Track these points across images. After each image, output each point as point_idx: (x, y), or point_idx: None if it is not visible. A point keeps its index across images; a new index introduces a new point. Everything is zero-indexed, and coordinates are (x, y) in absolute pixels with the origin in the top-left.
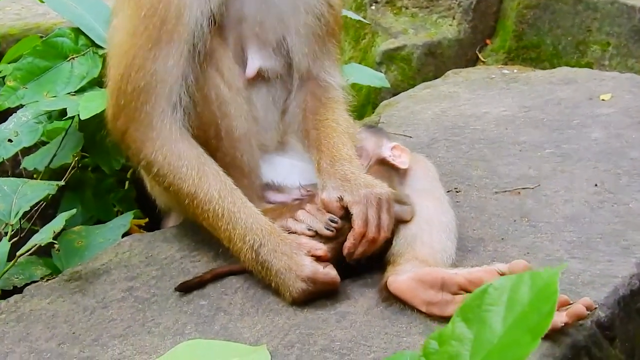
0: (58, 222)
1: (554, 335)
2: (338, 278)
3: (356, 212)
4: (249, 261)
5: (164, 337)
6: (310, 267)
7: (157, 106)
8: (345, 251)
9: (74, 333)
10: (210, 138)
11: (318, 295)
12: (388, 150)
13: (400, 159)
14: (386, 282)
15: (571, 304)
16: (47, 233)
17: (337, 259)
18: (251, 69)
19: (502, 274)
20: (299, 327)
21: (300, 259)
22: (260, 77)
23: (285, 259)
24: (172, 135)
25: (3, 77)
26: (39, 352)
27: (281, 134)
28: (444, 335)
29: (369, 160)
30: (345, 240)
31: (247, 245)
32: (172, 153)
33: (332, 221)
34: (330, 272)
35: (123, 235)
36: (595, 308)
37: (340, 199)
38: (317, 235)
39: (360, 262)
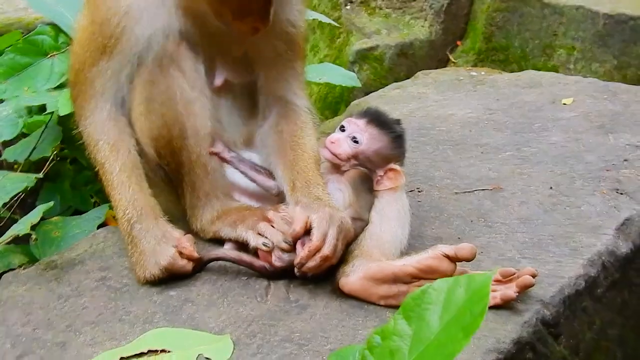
0: (35, 215)
1: (498, 331)
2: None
3: (317, 225)
4: (124, 232)
5: (133, 325)
6: (170, 259)
7: (95, 95)
8: (297, 260)
9: (48, 319)
10: (174, 137)
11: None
12: (382, 171)
13: (383, 184)
14: (338, 283)
15: (514, 273)
16: (25, 224)
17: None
18: (218, 79)
19: (447, 257)
20: (262, 318)
21: (165, 248)
22: (227, 86)
23: (153, 242)
24: (103, 116)
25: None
26: (15, 336)
27: (245, 139)
28: (387, 330)
29: (357, 155)
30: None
31: (125, 217)
32: (97, 128)
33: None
34: (186, 266)
35: (98, 227)
36: (536, 275)
37: (307, 218)
38: (272, 250)
39: (305, 276)
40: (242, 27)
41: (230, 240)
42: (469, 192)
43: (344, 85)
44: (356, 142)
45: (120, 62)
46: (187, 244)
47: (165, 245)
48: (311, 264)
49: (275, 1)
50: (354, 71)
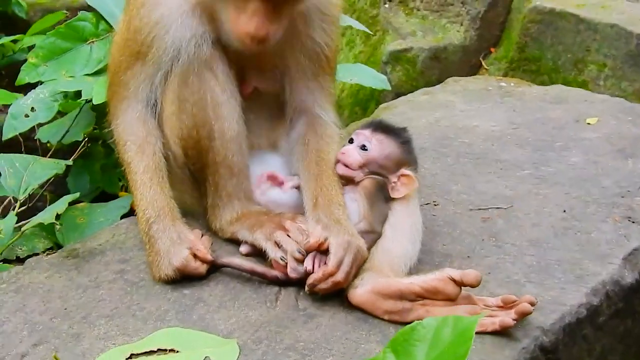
0: (61, 205)
1: (496, 356)
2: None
3: (334, 252)
4: (142, 231)
5: (146, 322)
6: (184, 260)
7: (128, 97)
8: (310, 280)
9: (65, 309)
10: (203, 138)
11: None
12: (395, 177)
13: (398, 190)
14: (347, 294)
15: (515, 300)
16: (50, 214)
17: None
18: (248, 87)
19: (453, 280)
20: (269, 325)
21: (180, 250)
22: (256, 94)
23: (168, 243)
24: (133, 117)
25: (29, 48)
26: (32, 323)
27: (270, 143)
28: None
29: (368, 162)
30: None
31: (145, 217)
32: (126, 128)
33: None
34: (199, 268)
35: (122, 217)
36: (535, 304)
37: (326, 239)
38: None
39: (315, 293)
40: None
41: (246, 242)
42: (483, 209)
43: (374, 87)
44: (365, 149)
45: (153, 68)
46: (201, 246)
47: (179, 246)
48: (323, 286)
49: (288, 19)
50: (386, 71)
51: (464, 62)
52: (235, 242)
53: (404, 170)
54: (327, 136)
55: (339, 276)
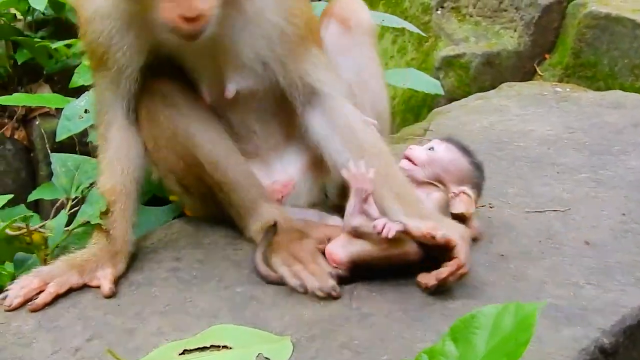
0: (103, 202)
1: (555, 356)
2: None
3: (459, 247)
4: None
5: (199, 318)
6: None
7: (105, 101)
8: (442, 275)
9: (119, 305)
10: (191, 166)
11: None
12: (458, 189)
13: (457, 204)
14: None
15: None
16: (95, 211)
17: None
18: (229, 91)
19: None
20: (323, 323)
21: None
22: (246, 94)
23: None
24: (111, 126)
25: (82, 53)
26: (86, 319)
27: (283, 140)
28: (434, 350)
29: (432, 163)
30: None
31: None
32: (104, 133)
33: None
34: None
35: (174, 218)
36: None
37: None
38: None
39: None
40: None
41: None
42: (540, 211)
43: (427, 92)
44: (432, 150)
45: (117, 79)
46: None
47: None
48: (452, 279)
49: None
50: (438, 77)
51: (518, 68)
52: None
53: (467, 189)
54: (345, 113)
55: (466, 268)
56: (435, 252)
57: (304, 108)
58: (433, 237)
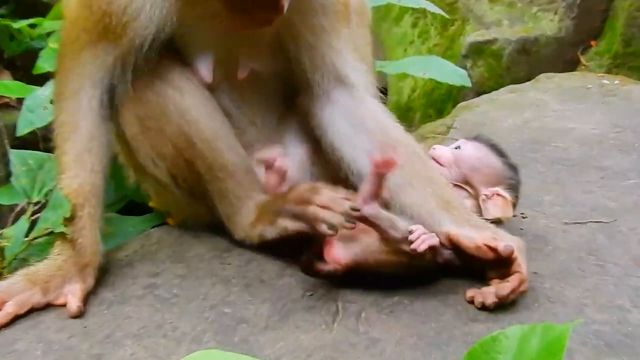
0: (67, 206)
1: None
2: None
3: (520, 259)
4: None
5: (179, 343)
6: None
7: (82, 74)
8: (504, 292)
9: (85, 327)
10: (183, 149)
11: None
12: (489, 191)
13: (488, 207)
14: None
15: None
16: (58, 217)
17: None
18: (242, 70)
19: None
20: (324, 349)
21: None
22: (255, 77)
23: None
24: (82, 105)
25: (48, 34)
26: (47, 342)
27: (282, 135)
28: None
29: (459, 162)
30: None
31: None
32: (70, 118)
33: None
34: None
35: (153, 227)
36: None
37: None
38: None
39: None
40: (251, 21)
41: (276, 238)
42: (581, 223)
43: (451, 83)
44: (459, 149)
45: (116, 53)
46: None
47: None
48: (513, 296)
49: None
50: (465, 66)
51: (558, 57)
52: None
53: (500, 190)
54: (374, 109)
55: (527, 283)
56: (480, 265)
57: (322, 101)
58: (494, 250)
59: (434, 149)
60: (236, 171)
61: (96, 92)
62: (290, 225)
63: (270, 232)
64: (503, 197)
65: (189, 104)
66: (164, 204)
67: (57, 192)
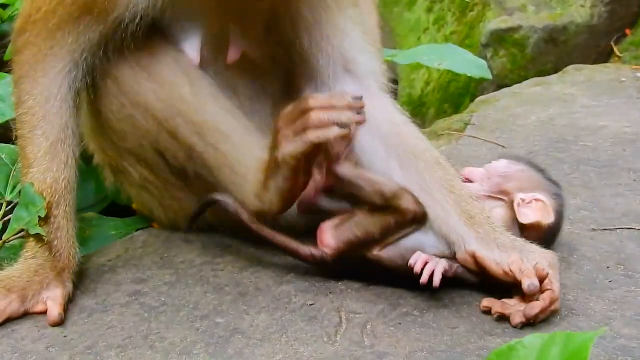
0: (41, 201)
1: None
2: None
3: (551, 276)
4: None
5: (167, 355)
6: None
7: (52, 52)
8: (534, 311)
9: (65, 336)
10: (173, 139)
11: None
12: (527, 195)
13: (525, 211)
14: None
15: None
16: (32, 216)
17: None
18: (233, 53)
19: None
20: None
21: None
22: (247, 61)
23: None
24: (51, 90)
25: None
26: (23, 353)
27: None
28: None
29: (492, 174)
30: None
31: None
32: (38, 105)
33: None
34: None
35: (138, 229)
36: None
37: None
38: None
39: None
40: None
41: (285, 183)
42: (609, 229)
43: (469, 75)
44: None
45: (96, 34)
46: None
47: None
48: (542, 316)
49: None
50: (485, 56)
51: (590, 47)
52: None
53: (539, 195)
54: (388, 107)
55: (559, 301)
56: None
57: (322, 85)
58: (519, 272)
59: (464, 169)
60: (231, 132)
61: (71, 75)
62: (293, 148)
63: (279, 178)
64: (541, 201)
65: (162, 65)
66: (147, 202)
67: (27, 188)
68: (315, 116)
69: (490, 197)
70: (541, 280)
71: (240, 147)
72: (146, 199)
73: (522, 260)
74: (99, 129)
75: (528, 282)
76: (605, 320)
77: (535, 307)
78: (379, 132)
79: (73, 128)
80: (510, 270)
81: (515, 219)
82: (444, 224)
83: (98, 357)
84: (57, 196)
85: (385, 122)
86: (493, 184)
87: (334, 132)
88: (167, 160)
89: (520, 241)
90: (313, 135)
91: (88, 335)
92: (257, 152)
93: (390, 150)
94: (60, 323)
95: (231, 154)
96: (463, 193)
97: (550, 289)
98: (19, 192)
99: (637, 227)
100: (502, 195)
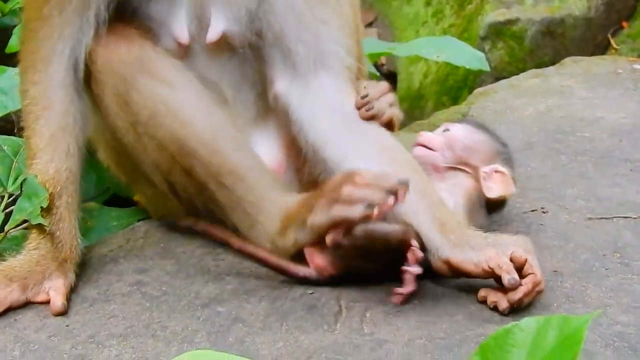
0: (44, 192)
1: None
2: None
3: (530, 260)
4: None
5: (169, 344)
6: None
7: (53, 44)
8: (517, 295)
9: (67, 326)
10: (179, 155)
11: None
12: (489, 168)
13: (490, 185)
14: None
15: None
16: (34, 207)
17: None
18: (213, 32)
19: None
20: (326, 351)
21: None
22: (229, 43)
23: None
24: (56, 79)
25: (22, 9)
26: (26, 342)
27: (259, 115)
28: None
29: (451, 143)
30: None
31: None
32: (41, 95)
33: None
34: None
35: (140, 220)
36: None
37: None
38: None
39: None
40: None
41: (306, 240)
42: (606, 218)
43: (468, 67)
44: (448, 130)
45: (77, 17)
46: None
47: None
48: (527, 300)
49: None
50: (484, 49)
51: (587, 40)
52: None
53: (499, 167)
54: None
55: (543, 284)
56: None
57: (302, 89)
58: (498, 268)
59: (421, 135)
60: (247, 174)
61: (71, 60)
62: (321, 218)
63: (301, 234)
64: (502, 172)
65: (181, 101)
66: (146, 203)
67: (31, 179)
68: (346, 191)
69: (454, 168)
70: (521, 266)
71: (255, 189)
72: (157, 204)
73: (499, 255)
74: (103, 129)
75: (508, 277)
76: (602, 308)
77: (518, 292)
78: (353, 129)
79: (75, 115)
80: (490, 267)
81: (479, 191)
82: (417, 230)
83: (100, 346)
84: (59, 187)
85: (360, 121)
86: (454, 157)
87: (357, 211)
88: (176, 190)
89: (492, 237)
90: (337, 211)
91: (90, 325)
92: (272, 194)
93: (364, 150)
94: (63, 313)
95: (246, 198)
96: (433, 195)
97: (532, 273)
98: (21, 184)
99: (634, 216)
100: (465, 166)
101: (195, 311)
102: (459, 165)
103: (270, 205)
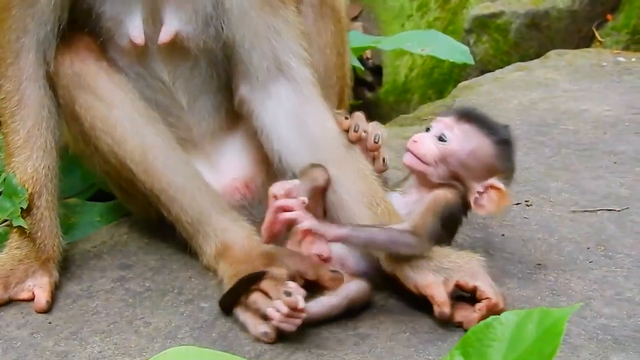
0: (24, 192)
1: None
2: None
3: (481, 284)
4: None
5: (152, 339)
6: None
7: (24, 36)
8: (473, 323)
9: (50, 323)
10: (121, 170)
11: None
12: (482, 187)
13: (482, 203)
14: None
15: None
16: (15, 207)
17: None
18: (165, 33)
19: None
20: (310, 346)
21: None
22: (182, 46)
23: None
24: (27, 70)
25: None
26: (8, 339)
27: (223, 125)
28: None
29: (446, 158)
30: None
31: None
32: (15, 89)
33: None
34: None
35: (124, 216)
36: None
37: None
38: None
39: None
40: None
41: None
42: (590, 211)
43: (452, 60)
44: (444, 140)
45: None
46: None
47: None
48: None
49: None
50: (469, 42)
51: (571, 32)
52: None
53: (495, 182)
54: (316, 106)
55: (502, 302)
56: None
57: (263, 95)
58: (432, 299)
59: (414, 141)
60: (178, 195)
61: (38, 54)
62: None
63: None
64: (498, 189)
65: (116, 118)
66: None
67: (10, 177)
68: (252, 299)
69: (445, 185)
70: (472, 292)
71: (190, 210)
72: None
73: (436, 285)
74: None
75: (438, 311)
76: (586, 300)
77: (473, 320)
78: (310, 138)
79: (50, 108)
80: (426, 294)
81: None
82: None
83: (83, 343)
84: (38, 186)
85: (317, 127)
86: (447, 172)
87: (259, 331)
88: (129, 195)
89: (437, 259)
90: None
91: (73, 321)
92: (211, 217)
93: (320, 158)
94: (47, 310)
95: (182, 216)
96: (382, 208)
97: (486, 298)
98: (2, 181)
99: (618, 209)
100: (456, 182)
101: (178, 307)
102: (450, 181)
103: (207, 227)
